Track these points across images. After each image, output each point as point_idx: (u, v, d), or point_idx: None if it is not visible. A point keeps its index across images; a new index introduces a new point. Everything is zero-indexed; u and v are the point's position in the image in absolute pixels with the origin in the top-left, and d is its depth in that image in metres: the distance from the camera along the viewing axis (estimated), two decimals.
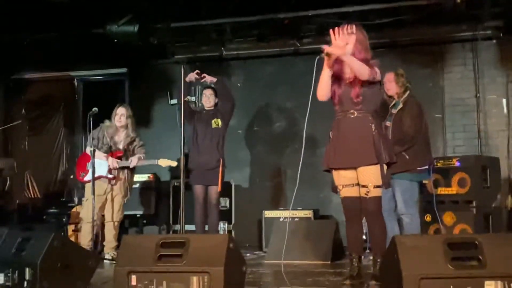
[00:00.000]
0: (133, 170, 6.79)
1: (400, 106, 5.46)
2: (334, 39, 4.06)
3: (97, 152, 6.33)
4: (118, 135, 6.65)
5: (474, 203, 6.22)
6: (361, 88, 4.20)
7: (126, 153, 6.65)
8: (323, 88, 4.30)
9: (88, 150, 6.40)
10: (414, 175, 5.38)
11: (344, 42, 4.07)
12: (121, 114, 6.61)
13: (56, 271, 3.59)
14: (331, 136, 4.44)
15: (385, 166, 4.23)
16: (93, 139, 6.27)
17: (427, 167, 5.46)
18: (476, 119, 7.64)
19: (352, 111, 4.26)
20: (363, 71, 4.11)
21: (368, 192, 4.23)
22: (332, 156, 4.39)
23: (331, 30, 4.09)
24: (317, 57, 4.13)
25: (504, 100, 7.59)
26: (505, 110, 7.56)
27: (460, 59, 7.84)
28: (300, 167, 4.28)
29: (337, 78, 4.33)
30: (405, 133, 5.33)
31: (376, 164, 4.17)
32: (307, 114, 4.15)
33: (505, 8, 6.95)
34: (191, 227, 6.95)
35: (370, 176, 4.21)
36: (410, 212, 5.40)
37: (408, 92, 5.52)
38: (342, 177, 4.36)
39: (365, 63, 4.15)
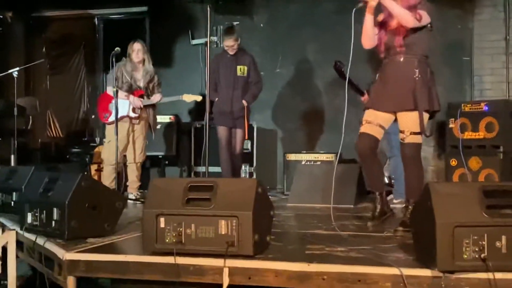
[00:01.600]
0: (155, 109, 6.74)
1: None
2: None
3: (119, 92, 6.28)
4: (138, 72, 6.55)
5: (501, 148, 6.14)
6: (406, 35, 4.09)
7: (147, 91, 6.59)
8: (368, 37, 4.25)
9: (110, 90, 6.34)
10: None
11: None
12: (138, 50, 6.50)
13: (84, 212, 3.60)
14: (376, 78, 4.39)
15: (426, 114, 4.12)
16: (114, 79, 6.22)
17: None
18: (505, 62, 7.45)
19: (398, 56, 4.17)
20: (405, 17, 3.98)
21: (404, 138, 4.17)
22: (374, 98, 4.35)
23: None
24: (354, 9, 4.02)
25: None
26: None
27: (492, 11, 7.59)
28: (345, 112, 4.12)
29: (383, 24, 4.25)
30: None
31: (414, 110, 4.08)
32: (349, 62, 4.05)
33: None
34: (213, 169, 6.96)
35: (407, 121, 4.14)
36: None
37: None
38: (373, 114, 4.31)
39: (411, 8, 4.01)
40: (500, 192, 2.79)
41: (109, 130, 6.41)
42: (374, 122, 4.30)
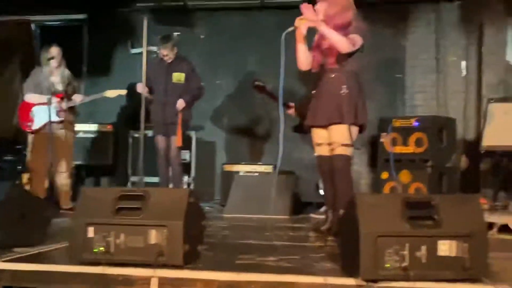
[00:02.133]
0: (75, 115, 6.64)
1: None
2: (304, 13, 4.16)
3: (38, 97, 6.18)
4: (55, 76, 6.41)
5: (429, 163, 6.36)
6: (338, 54, 4.28)
7: (67, 95, 6.48)
8: (302, 61, 4.47)
9: (28, 97, 6.25)
10: None
11: (314, 15, 4.17)
12: (56, 54, 6.40)
13: (12, 221, 3.53)
14: (313, 95, 4.59)
15: (354, 127, 4.31)
16: (35, 86, 6.14)
17: None
18: (436, 80, 7.73)
19: (330, 73, 4.39)
20: (341, 44, 4.19)
21: (334, 150, 4.36)
22: (309, 115, 4.56)
23: (301, 6, 4.16)
24: (284, 33, 4.19)
25: (463, 63, 7.68)
26: (464, 72, 7.67)
27: (423, 19, 7.88)
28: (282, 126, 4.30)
29: (318, 45, 4.48)
30: None
31: (342, 123, 4.28)
32: (281, 80, 4.24)
33: None
34: (151, 179, 6.93)
35: (336, 134, 4.34)
36: None
37: None
38: (316, 135, 4.55)
39: (344, 28, 4.23)
40: (421, 204, 2.91)
41: (36, 139, 6.24)
42: (323, 142, 4.50)
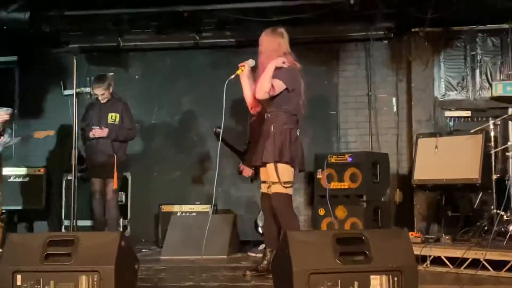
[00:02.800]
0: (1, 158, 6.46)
1: None
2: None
3: None
4: None
5: (364, 198, 6.47)
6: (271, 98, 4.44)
7: None
8: (248, 99, 4.64)
9: None
10: None
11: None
12: None
13: None
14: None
15: (283, 165, 4.35)
16: None
17: None
18: (368, 116, 7.94)
19: (265, 114, 4.56)
20: (257, 92, 4.43)
21: (268, 187, 4.48)
22: (249, 155, 4.89)
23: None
24: (227, 81, 4.43)
25: (394, 99, 7.94)
26: (395, 108, 7.91)
27: (354, 58, 8.12)
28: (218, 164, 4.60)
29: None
30: None
31: (271, 162, 4.36)
32: (223, 119, 4.60)
33: (396, 10, 7.25)
34: (84, 223, 6.76)
35: (269, 173, 4.43)
36: None
37: None
38: (260, 173, 4.69)
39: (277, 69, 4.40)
40: (352, 239, 2.96)
41: None
42: (264, 180, 4.61)
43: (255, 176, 6.36)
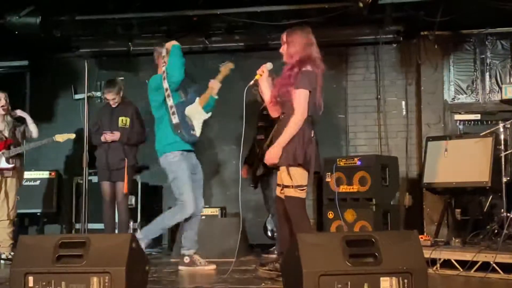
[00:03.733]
0: (22, 161, 6.53)
1: None
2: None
3: None
4: (1, 122, 6.37)
5: (373, 201, 6.46)
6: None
7: (16, 141, 6.39)
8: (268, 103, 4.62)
9: None
10: None
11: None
12: (4, 99, 6.34)
13: None
14: None
15: (296, 168, 4.30)
16: None
17: None
18: (377, 120, 7.94)
19: (280, 116, 4.53)
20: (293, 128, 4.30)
21: (282, 190, 4.42)
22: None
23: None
24: (246, 87, 4.46)
25: (403, 102, 7.93)
26: (404, 112, 7.91)
27: (363, 61, 8.12)
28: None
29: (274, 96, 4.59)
30: None
31: (284, 165, 4.32)
32: (243, 126, 4.50)
33: (405, 14, 7.25)
34: (94, 226, 6.80)
35: (281, 176, 4.38)
36: None
37: None
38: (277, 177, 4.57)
39: (304, 63, 4.37)
40: (362, 242, 2.97)
41: None
42: (279, 183, 4.51)
43: (255, 181, 6.41)
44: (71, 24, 7.57)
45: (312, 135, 4.39)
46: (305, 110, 4.28)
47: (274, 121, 4.74)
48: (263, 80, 4.55)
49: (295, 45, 4.48)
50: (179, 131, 5.24)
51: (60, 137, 6.43)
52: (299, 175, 4.31)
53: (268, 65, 4.59)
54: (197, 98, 5.54)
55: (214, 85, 5.61)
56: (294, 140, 4.30)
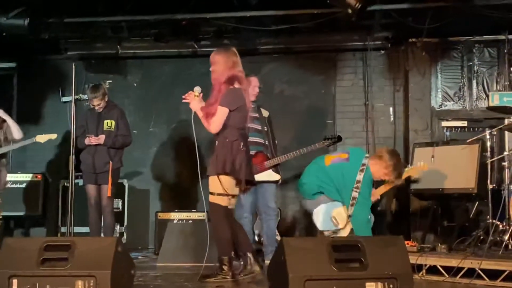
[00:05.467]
0: (5, 163, 6.50)
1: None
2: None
3: None
4: None
5: None
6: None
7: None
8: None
9: None
10: None
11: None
12: None
13: None
14: None
15: (224, 176, 4.63)
16: None
17: None
18: (365, 125, 7.96)
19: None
20: (212, 131, 4.74)
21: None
22: None
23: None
24: (192, 115, 4.82)
25: (391, 108, 7.97)
26: (392, 118, 7.94)
27: (351, 67, 8.15)
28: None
29: None
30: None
31: (212, 175, 4.69)
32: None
33: (394, 20, 7.29)
34: (80, 229, 6.75)
35: (211, 184, 4.72)
36: None
37: None
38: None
39: (230, 82, 4.71)
40: (348, 247, 2.97)
41: None
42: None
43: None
44: (60, 26, 7.53)
45: (241, 146, 4.69)
46: (218, 125, 4.67)
47: None
48: (195, 103, 4.84)
49: (220, 65, 4.80)
50: None
51: (40, 138, 6.41)
52: (227, 183, 4.63)
53: (196, 90, 4.90)
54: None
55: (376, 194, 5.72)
56: (223, 151, 4.66)
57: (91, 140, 6.29)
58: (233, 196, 4.77)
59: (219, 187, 4.63)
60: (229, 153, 4.65)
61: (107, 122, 6.40)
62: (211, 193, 4.68)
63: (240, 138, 4.73)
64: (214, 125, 4.68)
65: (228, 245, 4.65)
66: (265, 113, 6.39)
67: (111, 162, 6.28)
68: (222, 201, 4.66)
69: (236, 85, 4.75)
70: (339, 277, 2.82)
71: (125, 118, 6.55)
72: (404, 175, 5.84)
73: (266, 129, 6.32)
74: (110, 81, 7.96)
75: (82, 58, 8.25)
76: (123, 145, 6.49)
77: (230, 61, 4.79)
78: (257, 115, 6.30)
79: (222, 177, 4.62)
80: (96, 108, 6.39)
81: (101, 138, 6.29)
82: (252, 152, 6.17)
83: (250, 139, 6.17)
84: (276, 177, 6.24)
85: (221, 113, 4.67)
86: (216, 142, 4.77)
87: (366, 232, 5.20)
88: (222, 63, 4.79)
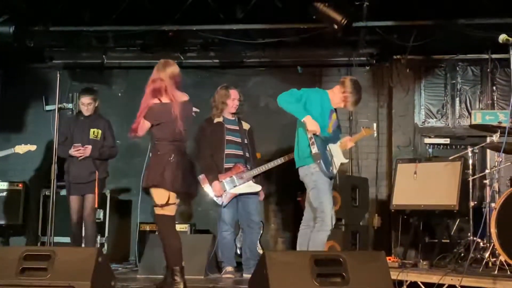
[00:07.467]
0: None
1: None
2: None
3: None
4: None
5: (343, 221, 6.49)
6: None
7: None
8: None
9: None
10: None
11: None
12: None
13: None
14: None
15: (156, 189, 4.69)
16: None
17: None
18: None
19: None
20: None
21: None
22: None
23: None
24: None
25: (374, 124, 7.98)
26: (375, 134, 7.96)
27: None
28: None
29: None
30: None
31: (148, 187, 4.75)
32: None
33: (379, 37, 7.36)
34: (61, 239, 6.68)
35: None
36: None
37: None
38: None
39: (157, 94, 4.81)
40: (330, 261, 2.97)
41: None
42: None
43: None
44: (45, 34, 7.51)
45: (171, 158, 4.67)
46: (140, 135, 4.83)
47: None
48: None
49: (153, 77, 4.92)
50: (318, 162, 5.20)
51: (20, 149, 6.36)
52: (159, 195, 4.67)
53: None
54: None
55: (348, 143, 5.72)
56: (153, 164, 4.74)
57: (76, 153, 6.17)
58: (173, 204, 4.78)
59: (158, 199, 4.67)
60: (158, 165, 4.69)
61: (94, 131, 6.33)
62: (155, 206, 4.72)
63: (172, 150, 4.73)
64: (140, 134, 4.85)
65: (179, 255, 4.67)
66: (246, 126, 6.39)
67: (97, 172, 6.23)
68: (165, 211, 4.70)
69: (164, 99, 4.77)
70: None
71: (112, 129, 6.52)
72: (360, 135, 5.97)
73: (246, 142, 6.32)
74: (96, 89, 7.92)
75: (67, 67, 8.21)
76: (109, 156, 6.45)
77: (160, 74, 4.88)
78: (237, 127, 6.31)
79: (153, 189, 4.69)
80: (84, 109, 6.31)
81: (88, 150, 6.20)
82: (230, 165, 6.23)
83: (228, 151, 6.22)
84: (257, 188, 6.24)
85: (144, 127, 4.81)
86: (150, 154, 4.85)
87: (286, 96, 5.35)
88: (153, 75, 4.91)
